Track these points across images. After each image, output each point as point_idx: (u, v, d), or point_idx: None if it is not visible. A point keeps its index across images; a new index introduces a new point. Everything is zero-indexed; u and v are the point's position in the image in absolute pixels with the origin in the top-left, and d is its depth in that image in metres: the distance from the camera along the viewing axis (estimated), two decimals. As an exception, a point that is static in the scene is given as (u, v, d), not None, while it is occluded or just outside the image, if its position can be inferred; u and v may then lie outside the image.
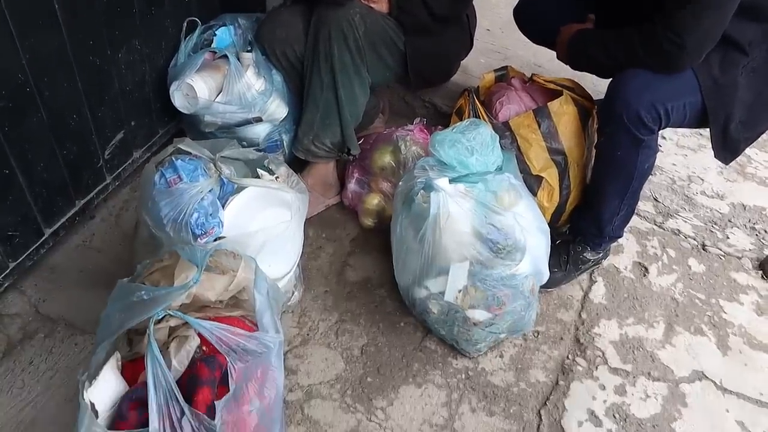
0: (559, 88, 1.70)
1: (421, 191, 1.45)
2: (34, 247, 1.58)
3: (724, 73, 1.46)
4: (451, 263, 1.45)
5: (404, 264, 1.55)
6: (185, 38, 1.84)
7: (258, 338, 1.14)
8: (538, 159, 1.66)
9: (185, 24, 1.84)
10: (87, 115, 1.61)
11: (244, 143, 1.83)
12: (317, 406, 1.49)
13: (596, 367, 1.63)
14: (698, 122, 1.54)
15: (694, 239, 2.00)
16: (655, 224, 2.03)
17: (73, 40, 1.48)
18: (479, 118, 1.67)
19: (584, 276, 1.82)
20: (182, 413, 1.01)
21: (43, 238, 1.61)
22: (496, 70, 1.85)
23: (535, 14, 1.83)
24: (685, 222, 2.06)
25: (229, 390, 1.06)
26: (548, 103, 1.65)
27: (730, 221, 2.10)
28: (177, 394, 1.02)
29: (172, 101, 1.76)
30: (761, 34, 1.46)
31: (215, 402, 1.04)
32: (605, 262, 1.86)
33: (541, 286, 1.69)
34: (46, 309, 1.58)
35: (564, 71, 1.83)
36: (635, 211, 1.72)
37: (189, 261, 1.17)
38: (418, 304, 1.58)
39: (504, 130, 1.67)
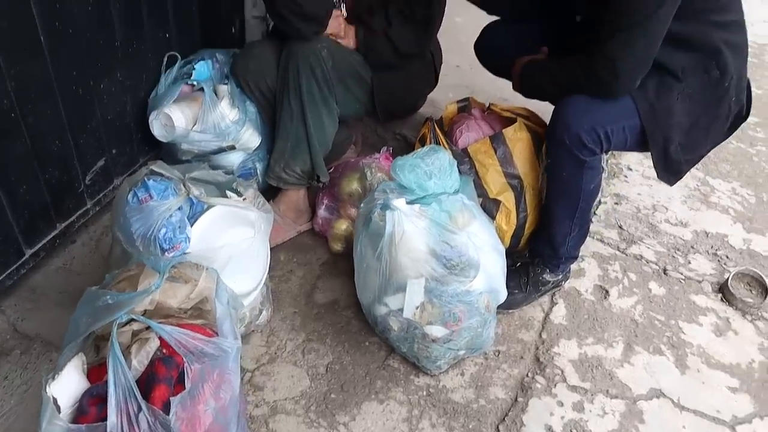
0: (513, 116, 1.84)
1: (378, 210, 1.57)
2: (14, 266, 1.69)
3: (660, 98, 1.59)
4: (407, 279, 1.55)
5: (365, 282, 1.65)
6: (165, 71, 1.98)
7: (216, 343, 1.23)
8: (495, 183, 1.78)
9: (166, 58, 1.99)
10: (69, 142, 1.74)
11: (220, 171, 1.95)
12: (281, 420, 1.56)
13: (555, 385, 1.71)
14: (639, 145, 1.66)
15: (656, 264, 2.10)
16: (618, 250, 2.14)
17: (57, 70, 1.62)
18: (439, 144, 1.80)
19: (545, 298, 1.92)
20: (139, 409, 1.10)
21: (24, 259, 1.71)
22: (458, 101, 1.99)
23: (493, 48, 1.98)
24: (648, 248, 2.16)
25: (185, 389, 1.16)
26: (503, 130, 1.78)
27: (692, 248, 2.20)
28: (135, 390, 1.10)
29: (151, 130, 1.89)
30: (694, 63, 1.59)
31: (171, 398, 1.13)
32: (566, 285, 1.95)
33: (502, 307, 1.79)
34: (24, 327, 1.68)
35: (528, 103, 1.97)
36: (589, 231, 1.83)
37: (153, 269, 1.27)
38: (380, 322, 1.67)
39: (463, 156, 1.79)
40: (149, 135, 1.93)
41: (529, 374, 1.73)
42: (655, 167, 1.67)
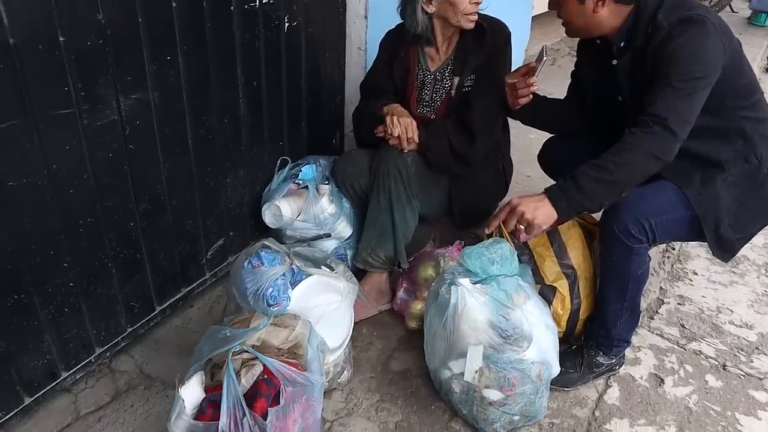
0: (569, 214, 2.20)
1: (446, 286, 1.93)
2: (146, 319, 2.17)
3: (705, 186, 1.92)
4: (468, 346, 1.88)
5: (432, 348, 1.99)
6: (278, 171, 2.51)
7: (306, 376, 1.62)
8: (551, 272, 2.11)
9: (279, 161, 2.52)
10: (199, 223, 2.25)
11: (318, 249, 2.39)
12: (353, 464, 1.88)
13: (604, 458, 1.94)
14: (688, 235, 1.98)
15: (716, 360, 2.30)
16: (677, 345, 2.36)
17: (197, 166, 2.16)
18: (503, 238, 2.17)
19: (600, 380, 2.16)
20: (244, 414, 1.48)
21: (154, 314, 2.19)
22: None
23: (553, 159, 2.38)
24: (709, 346, 2.37)
25: (280, 405, 1.53)
26: (558, 227, 2.14)
27: (757, 348, 2.38)
28: (242, 400, 1.49)
29: (263, 218, 2.39)
30: (734, 154, 1.93)
31: (269, 409, 1.50)
32: (621, 371, 2.20)
33: (558, 385, 2.07)
34: (148, 370, 2.12)
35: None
36: (640, 317, 2.10)
37: (262, 313, 1.69)
38: (444, 385, 1.99)
39: (523, 248, 2.15)
40: (260, 222, 2.43)
41: (581, 446, 1.97)
42: (709, 246, 1.97)
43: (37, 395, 1.90)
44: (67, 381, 1.99)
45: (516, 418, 1.94)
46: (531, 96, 2.17)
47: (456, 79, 2.34)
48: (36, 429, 1.90)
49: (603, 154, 1.85)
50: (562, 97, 2.39)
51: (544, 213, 1.87)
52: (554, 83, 2.48)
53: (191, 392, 1.54)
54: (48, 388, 1.93)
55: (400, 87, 2.47)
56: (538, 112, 2.32)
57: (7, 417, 1.83)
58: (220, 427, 1.46)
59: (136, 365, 2.14)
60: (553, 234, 2.14)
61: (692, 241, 2.07)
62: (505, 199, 2.45)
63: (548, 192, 1.89)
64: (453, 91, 2.36)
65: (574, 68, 2.29)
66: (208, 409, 1.52)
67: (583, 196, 1.85)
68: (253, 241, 2.55)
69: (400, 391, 2.11)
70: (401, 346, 2.31)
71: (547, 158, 2.44)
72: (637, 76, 1.92)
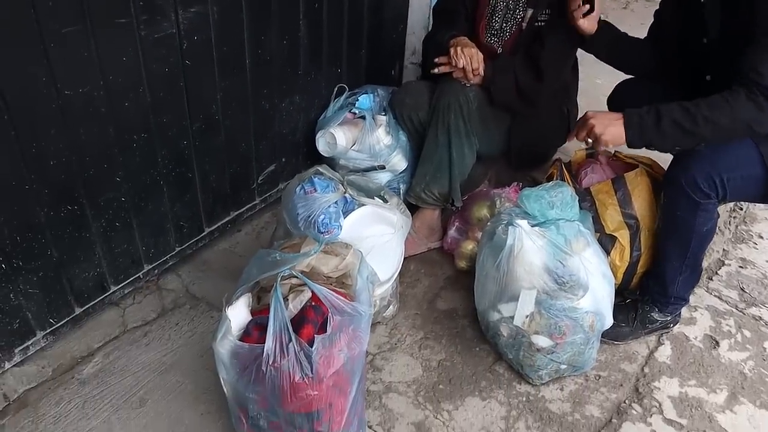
0: (636, 163, 2.09)
1: (502, 226, 1.87)
2: (194, 239, 2.17)
3: None
4: (521, 290, 1.82)
5: (483, 289, 1.94)
6: (334, 99, 2.45)
7: (353, 305, 1.58)
8: (613, 220, 2.02)
9: (336, 88, 2.46)
10: (252, 146, 2.22)
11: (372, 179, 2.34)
12: (393, 398, 1.86)
13: (651, 415, 1.88)
14: (760, 197, 1.84)
15: (776, 328, 2.21)
16: (736, 309, 2.26)
17: (253, 88, 2.11)
18: (565, 181, 2.08)
19: (652, 337, 2.09)
20: (290, 339, 1.46)
21: (202, 235, 2.19)
22: (587, 149, 2.27)
23: (623, 104, 2.24)
24: (770, 313, 2.28)
25: (326, 333, 1.51)
26: (624, 174, 2.04)
27: (820, 320, 2.28)
28: (288, 325, 1.47)
29: (317, 146, 2.34)
30: None
31: (315, 336, 1.48)
32: (675, 329, 2.12)
33: (609, 338, 2.02)
34: (194, 290, 2.14)
35: (653, 153, 2.21)
36: (700, 276, 2.01)
37: (313, 239, 1.66)
38: (492, 327, 1.94)
39: (585, 195, 2.06)
40: (313, 150, 2.38)
41: (627, 401, 1.91)
42: None
43: (87, 306, 1.93)
44: (116, 295, 2.01)
45: (563, 366, 1.90)
46: (589, 8, 2.08)
47: (530, 12, 2.21)
48: (85, 338, 1.94)
49: (697, 101, 1.73)
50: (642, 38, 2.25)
51: (612, 133, 1.84)
52: (627, 27, 2.33)
53: (238, 313, 1.53)
54: (97, 300, 1.96)
55: (471, 10, 2.36)
56: (615, 48, 2.20)
57: (59, 324, 1.86)
58: (265, 350, 1.44)
59: (183, 285, 2.16)
60: (618, 181, 2.04)
61: (766, 203, 1.94)
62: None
63: (626, 114, 1.83)
64: (524, 24, 2.23)
65: (658, 7, 2.13)
66: (254, 331, 1.50)
67: (658, 134, 1.77)
68: (305, 169, 2.50)
69: (445, 330, 2.09)
70: (449, 285, 2.27)
71: (617, 102, 2.31)
72: (728, 16, 1.77)
